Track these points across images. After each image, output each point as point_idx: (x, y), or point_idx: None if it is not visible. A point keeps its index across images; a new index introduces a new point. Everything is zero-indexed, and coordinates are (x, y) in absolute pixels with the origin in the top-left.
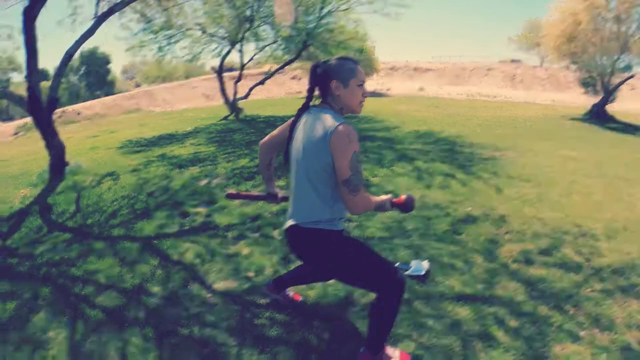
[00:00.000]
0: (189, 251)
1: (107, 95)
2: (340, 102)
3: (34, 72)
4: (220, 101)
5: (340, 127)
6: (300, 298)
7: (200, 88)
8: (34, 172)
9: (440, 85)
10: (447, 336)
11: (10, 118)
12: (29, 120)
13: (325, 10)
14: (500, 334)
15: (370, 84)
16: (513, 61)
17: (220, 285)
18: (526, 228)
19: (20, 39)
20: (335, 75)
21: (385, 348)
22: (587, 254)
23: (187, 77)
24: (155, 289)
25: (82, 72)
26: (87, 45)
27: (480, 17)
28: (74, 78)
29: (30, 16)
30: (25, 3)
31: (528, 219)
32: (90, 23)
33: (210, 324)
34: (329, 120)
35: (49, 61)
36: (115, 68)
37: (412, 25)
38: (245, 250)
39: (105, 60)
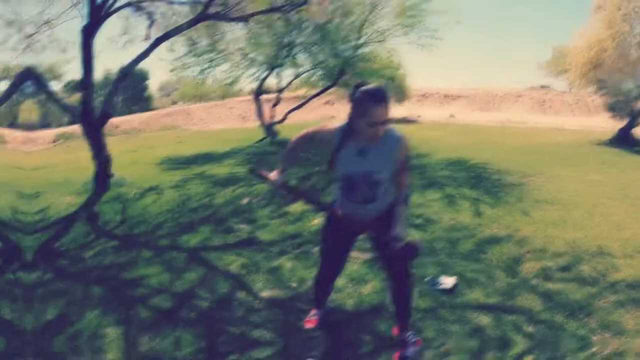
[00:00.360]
0: (234, 263)
1: (143, 111)
2: (355, 127)
3: (89, 87)
4: (255, 123)
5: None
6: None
7: (236, 109)
8: (77, 181)
9: (471, 112)
10: (470, 339)
11: (47, 125)
12: (68, 129)
13: (361, 41)
14: (518, 338)
15: (401, 111)
16: (542, 87)
17: (266, 293)
18: (547, 247)
19: (71, 52)
20: (353, 107)
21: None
22: (603, 270)
23: (223, 98)
24: (205, 294)
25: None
26: (126, 61)
27: (509, 43)
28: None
29: (89, 34)
30: (85, 20)
31: (550, 239)
32: (138, 43)
33: (259, 325)
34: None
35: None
36: (152, 85)
37: (443, 51)
38: (288, 264)
39: (143, 77)
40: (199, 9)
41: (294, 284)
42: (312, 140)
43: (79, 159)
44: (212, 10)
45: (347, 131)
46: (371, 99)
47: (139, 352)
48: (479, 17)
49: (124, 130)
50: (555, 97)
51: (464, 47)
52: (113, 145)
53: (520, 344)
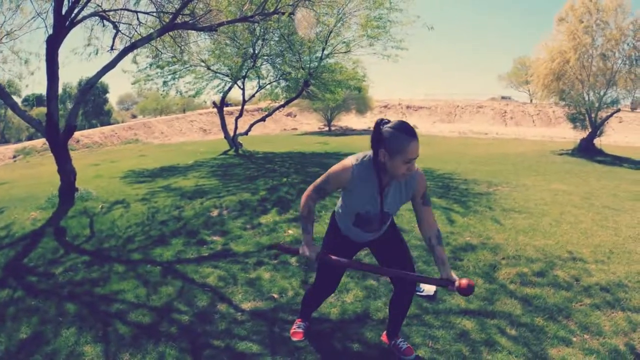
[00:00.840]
0: (211, 275)
1: (103, 124)
2: (384, 166)
3: (53, 99)
4: (217, 135)
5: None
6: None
7: (197, 122)
8: (40, 196)
9: (432, 123)
10: (456, 343)
11: (6, 141)
12: (27, 144)
13: (326, 52)
14: (503, 340)
15: (364, 122)
16: (503, 98)
17: (247, 305)
18: (521, 254)
19: (34, 63)
20: (386, 145)
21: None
22: (577, 275)
23: (184, 111)
24: (184, 308)
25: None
26: (85, 74)
27: (471, 55)
28: (70, 105)
29: (53, 45)
30: (49, 31)
31: (522, 246)
32: (101, 55)
33: (243, 338)
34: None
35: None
36: (112, 98)
37: (405, 63)
38: (267, 275)
39: (103, 90)
40: (165, 19)
41: (276, 295)
42: (327, 193)
43: (40, 173)
44: (179, 20)
45: (370, 166)
46: (407, 134)
47: None
48: (442, 29)
49: (85, 144)
50: (517, 108)
51: (426, 58)
52: (75, 159)
53: (505, 346)
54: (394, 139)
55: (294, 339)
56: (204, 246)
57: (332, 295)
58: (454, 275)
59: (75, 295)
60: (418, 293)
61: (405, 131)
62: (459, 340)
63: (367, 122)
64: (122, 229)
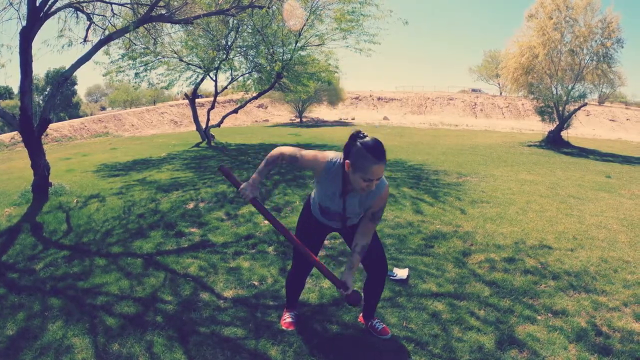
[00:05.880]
0: (192, 266)
1: (71, 117)
2: (348, 176)
3: (27, 92)
4: (188, 128)
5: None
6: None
7: (168, 114)
8: (12, 192)
9: (403, 115)
10: (429, 324)
11: None
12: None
13: (299, 45)
14: (472, 320)
15: (335, 113)
16: (473, 90)
17: (229, 293)
18: (489, 241)
19: (5, 56)
20: (351, 159)
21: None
22: (542, 260)
23: (154, 103)
24: (169, 297)
25: (47, 92)
26: (53, 65)
27: (442, 47)
28: (38, 98)
29: (27, 37)
30: (22, 23)
31: (490, 233)
32: (74, 47)
33: (227, 324)
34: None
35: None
36: (80, 90)
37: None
38: (246, 264)
39: (72, 82)
40: (140, 10)
41: (256, 282)
42: (294, 162)
43: (10, 169)
44: (155, 12)
45: (339, 170)
46: (374, 156)
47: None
48: (414, 22)
49: (55, 138)
50: (487, 101)
51: (398, 51)
52: (46, 153)
53: (475, 325)
54: (360, 157)
55: (287, 329)
56: (182, 238)
57: (310, 281)
58: (349, 283)
59: (59, 289)
60: (391, 277)
61: (373, 153)
62: (431, 321)
63: (338, 113)
64: (99, 223)
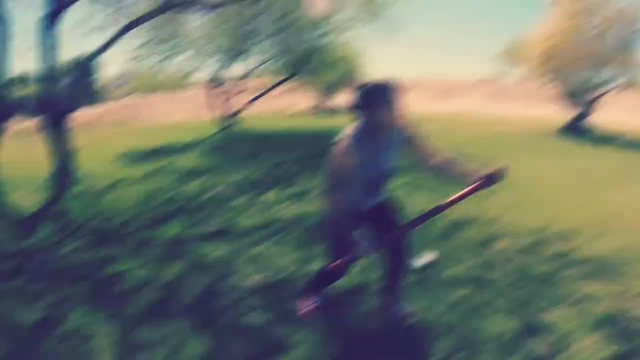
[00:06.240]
0: (214, 252)
1: (95, 103)
2: (374, 122)
3: (52, 77)
4: (212, 114)
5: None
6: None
7: (191, 101)
8: (36, 177)
9: (424, 102)
10: (451, 311)
11: None
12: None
13: (326, 29)
14: (495, 307)
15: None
16: (496, 77)
17: (252, 280)
18: (512, 228)
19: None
20: (369, 102)
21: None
22: (564, 247)
23: (178, 89)
24: (192, 284)
25: (70, 78)
26: (75, 52)
27: (465, 33)
28: (61, 85)
29: (52, 22)
30: (45, 10)
31: (513, 221)
32: (101, 32)
33: (250, 311)
34: None
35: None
36: (104, 76)
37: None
38: (268, 251)
39: (95, 68)
40: None
41: (279, 269)
42: (341, 179)
43: (34, 155)
44: None
45: (361, 133)
46: (382, 85)
47: (134, 346)
48: (435, 9)
49: (79, 124)
50: (509, 88)
51: (420, 38)
52: (69, 139)
53: (498, 312)
54: (381, 94)
55: (309, 316)
56: (206, 224)
57: None
58: (470, 172)
59: (84, 275)
60: (418, 263)
61: (379, 85)
62: (453, 308)
63: None
64: (123, 209)
